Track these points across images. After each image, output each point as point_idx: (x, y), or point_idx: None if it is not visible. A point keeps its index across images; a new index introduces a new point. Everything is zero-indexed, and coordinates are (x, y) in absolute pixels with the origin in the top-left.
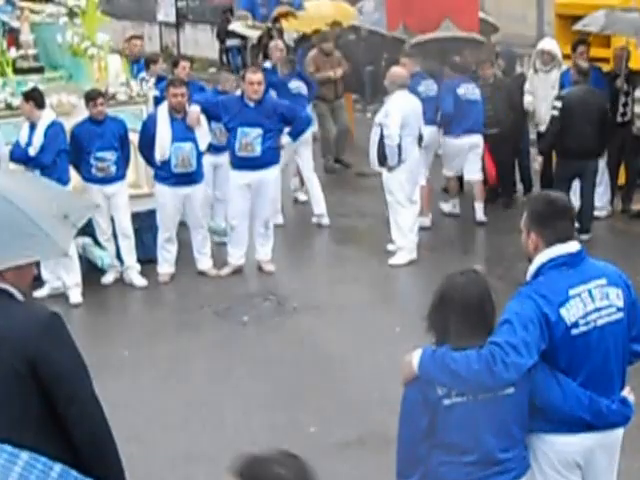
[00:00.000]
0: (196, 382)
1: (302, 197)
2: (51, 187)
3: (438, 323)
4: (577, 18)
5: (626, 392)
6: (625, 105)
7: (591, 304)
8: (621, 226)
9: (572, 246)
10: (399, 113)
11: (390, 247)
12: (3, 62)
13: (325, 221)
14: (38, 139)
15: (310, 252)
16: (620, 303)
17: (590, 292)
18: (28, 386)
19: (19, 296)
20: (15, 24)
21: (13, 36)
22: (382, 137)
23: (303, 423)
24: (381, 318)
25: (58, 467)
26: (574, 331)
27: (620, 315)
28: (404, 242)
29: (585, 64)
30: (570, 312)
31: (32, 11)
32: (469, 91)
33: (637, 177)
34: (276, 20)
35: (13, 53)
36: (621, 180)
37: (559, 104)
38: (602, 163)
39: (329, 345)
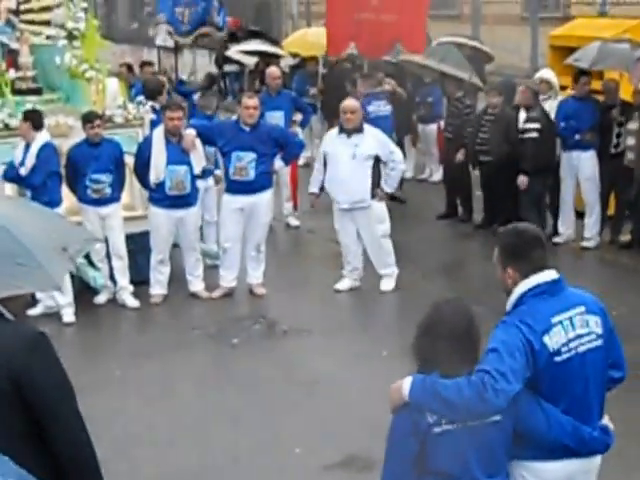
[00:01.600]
0: (185, 401)
1: (294, 222)
2: (54, 218)
3: (426, 351)
4: (571, 49)
5: (606, 420)
6: (618, 136)
7: (572, 331)
8: (609, 257)
9: (550, 274)
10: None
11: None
12: (2, 83)
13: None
14: (30, 160)
15: (301, 276)
16: (599, 330)
17: (571, 319)
18: (12, 403)
19: (8, 315)
20: (15, 46)
21: (12, 57)
22: (374, 168)
23: (289, 444)
24: (368, 342)
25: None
26: (557, 358)
27: (599, 342)
28: (392, 268)
29: None
30: (553, 339)
31: (32, 33)
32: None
33: (626, 209)
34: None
35: (12, 74)
36: (610, 211)
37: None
38: (595, 193)
39: (316, 368)
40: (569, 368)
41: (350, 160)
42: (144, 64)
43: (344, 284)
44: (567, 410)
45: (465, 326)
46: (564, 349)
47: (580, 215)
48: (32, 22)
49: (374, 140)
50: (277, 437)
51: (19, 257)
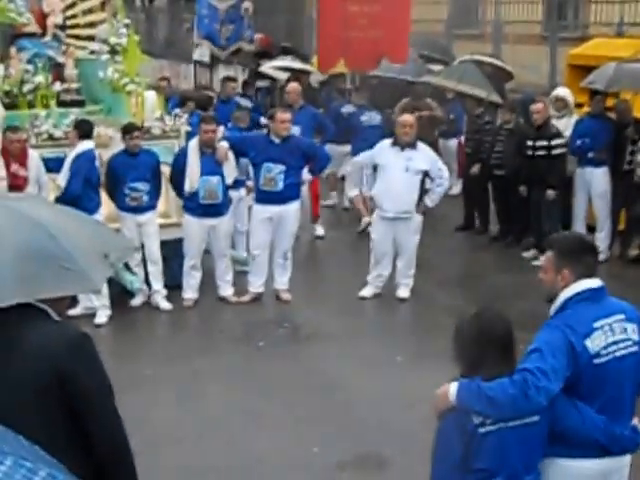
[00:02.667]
0: (211, 401)
1: (319, 231)
2: (96, 225)
3: (475, 357)
4: (589, 68)
5: (636, 421)
6: (632, 154)
7: (611, 337)
8: (617, 271)
9: (595, 282)
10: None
11: (366, 292)
12: (48, 95)
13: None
14: (65, 166)
15: (325, 284)
16: (636, 337)
17: (611, 326)
18: (55, 399)
19: (54, 316)
20: (60, 59)
21: (58, 71)
22: (422, 183)
23: (307, 443)
24: (385, 348)
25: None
26: (596, 361)
27: (636, 348)
28: (411, 279)
29: None
30: (594, 343)
31: (77, 48)
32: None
33: (635, 224)
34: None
35: (57, 86)
36: (621, 226)
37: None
38: (607, 209)
39: (336, 372)
40: (606, 370)
41: (403, 172)
42: (227, 79)
43: (368, 291)
44: (601, 410)
45: (507, 332)
46: (603, 352)
47: (591, 229)
48: (77, 37)
49: (426, 156)
50: (297, 436)
51: (64, 261)
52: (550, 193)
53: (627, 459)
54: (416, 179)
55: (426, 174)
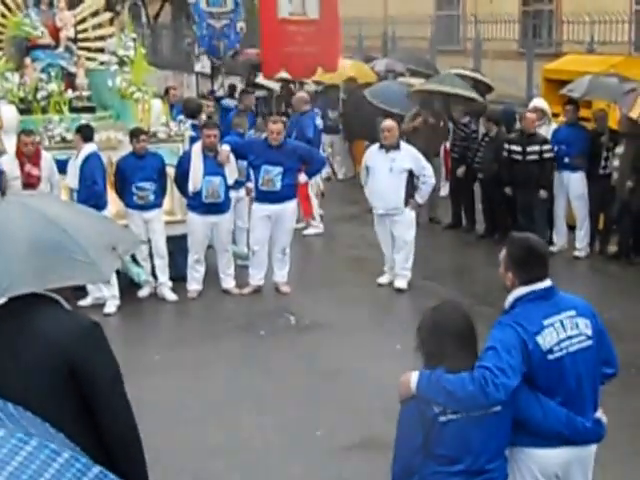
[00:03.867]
0: (216, 385)
1: (309, 231)
2: (104, 220)
3: (432, 348)
4: (562, 82)
5: (599, 414)
6: (607, 159)
7: (563, 333)
8: (598, 266)
9: (544, 283)
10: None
11: (383, 280)
12: (60, 102)
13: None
14: (75, 167)
15: (322, 276)
16: (589, 332)
17: (562, 322)
18: (66, 386)
19: (65, 305)
20: (72, 69)
21: (70, 80)
22: (409, 180)
23: (311, 427)
24: (383, 336)
25: (96, 469)
26: (550, 356)
27: (590, 342)
28: (409, 271)
29: None
30: (545, 340)
31: (87, 59)
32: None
33: (613, 223)
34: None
35: (69, 94)
36: (600, 225)
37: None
38: (584, 210)
39: (336, 358)
40: (561, 365)
41: (388, 173)
42: (245, 92)
43: (385, 278)
44: (563, 403)
45: (466, 324)
46: (556, 348)
47: (571, 228)
48: (88, 49)
49: (409, 156)
50: (300, 420)
51: (75, 253)
52: (543, 193)
53: (591, 449)
54: (401, 178)
55: (411, 172)
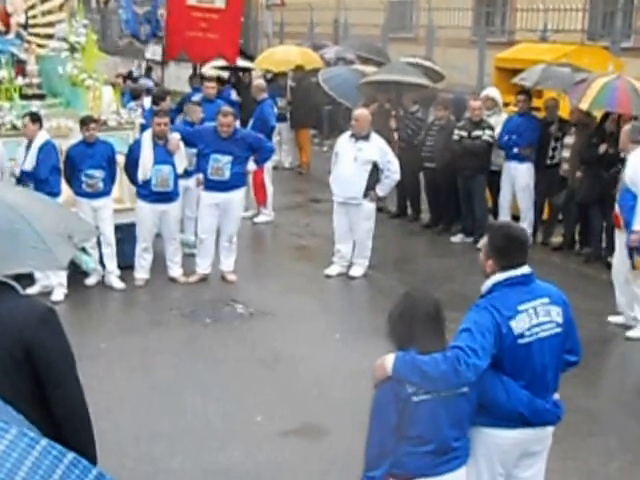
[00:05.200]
0: (161, 372)
1: (260, 218)
2: (60, 209)
3: (403, 334)
4: (514, 71)
5: (557, 396)
6: (554, 149)
7: (535, 319)
8: (541, 257)
9: (522, 270)
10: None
11: (330, 271)
12: (11, 88)
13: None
14: (32, 156)
15: (267, 266)
16: (559, 319)
17: (535, 309)
18: (22, 368)
19: (21, 290)
20: (23, 56)
21: (20, 66)
22: (372, 172)
23: (251, 412)
24: (324, 325)
25: (70, 455)
26: (520, 341)
27: (558, 330)
28: (365, 260)
29: None
30: (518, 325)
31: (38, 45)
32: None
33: (559, 213)
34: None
35: (20, 81)
36: (544, 216)
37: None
38: (529, 201)
39: (278, 347)
40: (530, 350)
41: (352, 161)
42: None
43: (333, 270)
44: (527, 386)
45: (435, 309)
46: (527, 333)
47: (516, 218)
48: (38, 35)
49: (377, 148)
50: (242, 406)
51: (32, 240)
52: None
53: (549, 430)
54: (364, 169)
55: (376, 165)
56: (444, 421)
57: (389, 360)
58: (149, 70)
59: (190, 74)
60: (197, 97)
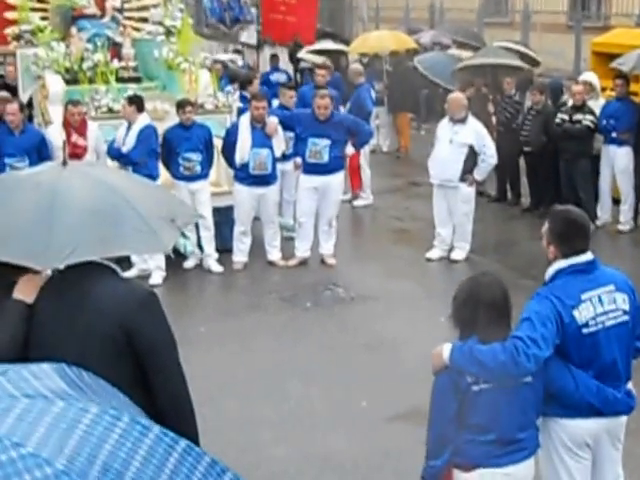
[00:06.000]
0: (262, 357)
1: (359, 202)
2: (163, 193)
3: (466, 319)
4: (610, 56)
5: (630, 385)
6: None
7: (600, 307)
8: None
9: (585, 257)
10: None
11: (432, 254)
12: (107, 72)
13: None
14: (132, 138)
15: (367, 249)
16: (626, 307)
17: (600, 297)
18: (123, 352)
19: (121, 273)
20: (119, 39)
21: (116, 50)
22: (468, 156)
23: (356, 398)
24: (427, 309)
25: (183, 442)
26: (584, 330)
27: (626, 318)
28: (466, 243)
29: None
30: (581, 314)
31: (134, 28)
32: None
33: None
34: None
35: (116, 64)
36: None
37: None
38: (629, 184)
39: (381, 331)
40: (596, 340)
41: (448, 144)
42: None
43: (434, 253)
44: (597, 376)
45: (501, 296)
46: (592, 322)
47: (617, 202)
48: (134, 19)
49: (473, 132)
50: (346, 391)
51: (136, 222)
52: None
53: (622, 420)
54: (460, 152)
55: (472, 149)
56: (505, 410)
57: (446, 350)
58: (238, 53)
59: (271, 53)
60: (275, 76)
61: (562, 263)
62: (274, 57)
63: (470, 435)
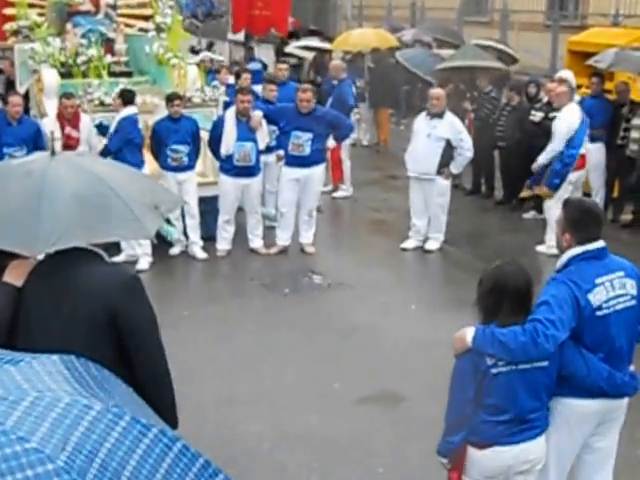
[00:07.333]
0: (241, 340)
1: (340, 193)
2: (147, 180)
3: (490, 306)
4: (587, 54)
5: (632, 368)
6: (625, 130)
7: (612, 292)
8: (611, 233)
9: (598, 244)
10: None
11: (407, 244)
12: (100, 66)
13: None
14: (112, 128)
15: (345, 239)
16: (634, 292)
17: (611, 282)
18: (106, 333)
19: (107, 258)
20: (111, 35)
21: (109, 45)
22: (445, 149)
23: (329, 380)
24: (400, 297)
25: (179, 444)
26: (598, 313)
27: (633, 302)
28: (440, 235)
29: None
30: (596, 297)
31: (126, 25)
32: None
33: (628, 193)
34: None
35: (108, 59)
36: (615, 194)
37: None
38: (601, 179)
39: (355, 317)
40: (607, 322)
41: (425, 138)
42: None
43: (409, 243)
44: (605, 359)
45: (525, 285)
46: (604, 306)
47: (588, 196)
48: (127, 15)
49: (450, 126)
50: (319, 373)
51: (121, 210)
52: None
53: (624, 401)
54: (438, 145)
55: (450, 142)
56: (520, 393)
57: (469, 333)
58: (210, 46)
59: (248, 45)
60: (251, 65)
61: (577, 250)
62: (250, 49)
63: (486, 415)
